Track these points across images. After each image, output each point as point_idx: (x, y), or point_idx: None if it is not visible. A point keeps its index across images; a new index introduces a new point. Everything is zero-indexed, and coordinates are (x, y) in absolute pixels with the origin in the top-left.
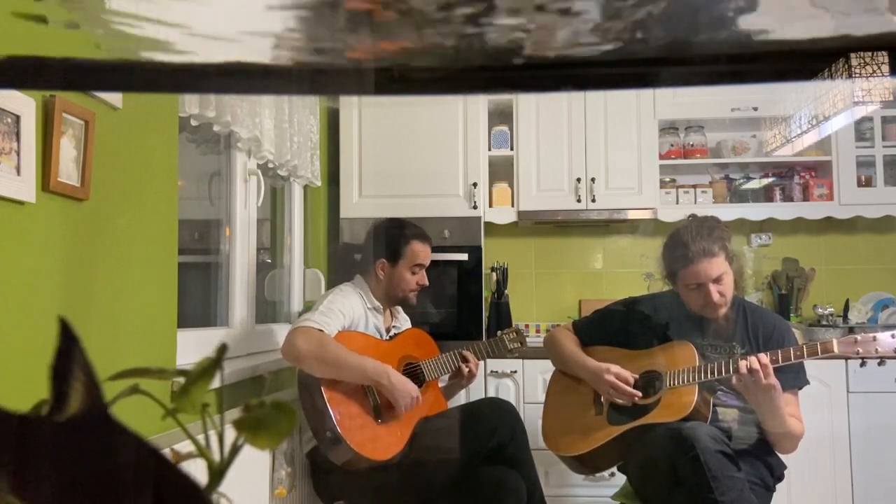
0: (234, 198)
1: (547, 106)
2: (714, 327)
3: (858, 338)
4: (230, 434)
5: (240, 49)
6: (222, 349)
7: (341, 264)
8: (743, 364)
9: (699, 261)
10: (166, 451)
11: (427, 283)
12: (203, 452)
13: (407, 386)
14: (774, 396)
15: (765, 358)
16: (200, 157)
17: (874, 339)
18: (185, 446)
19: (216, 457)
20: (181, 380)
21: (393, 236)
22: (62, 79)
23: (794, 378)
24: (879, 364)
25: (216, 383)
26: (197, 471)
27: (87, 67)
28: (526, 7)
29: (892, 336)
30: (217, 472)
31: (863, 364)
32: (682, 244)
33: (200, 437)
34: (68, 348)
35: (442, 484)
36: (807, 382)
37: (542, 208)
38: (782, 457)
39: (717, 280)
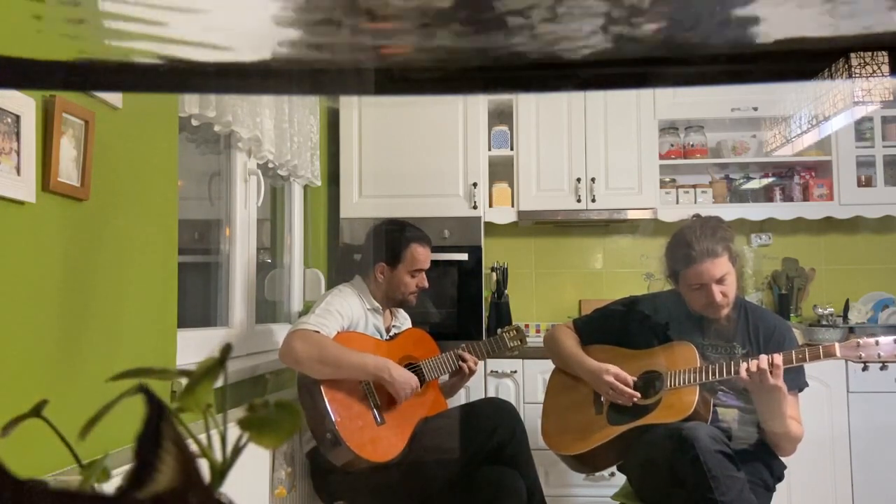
0: (234, 198)
1: (547, 106)
2: (715, 327)
3: (861, 342)
4: (232, 434)
5: (240, 49)
6: (227, 349)
7: (341, 264)
8: (754, 362)
9: (703, 261)
10: None
11: (427, 285)
12: (205, 452)
13: (407, 377)
14: (779, 398)
15: (776, 359)
16: (200, 157)
17: (877, 343)
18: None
19: (218, 456)
20: (183, 380)
21: (393, 239)
22: (62, 79)
23: (794, 380)
24: (882, 368)
25: (219, 383)
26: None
27: (87, 67)
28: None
29: (895, 340)
30: (219, 472)
31: (865, 368)
32: (686, 244)
33: (202, 437)
34: (156, 417)
35: (442, 484)
36: (806, 384)
37: (542, 208)
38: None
39: (721, 280)
